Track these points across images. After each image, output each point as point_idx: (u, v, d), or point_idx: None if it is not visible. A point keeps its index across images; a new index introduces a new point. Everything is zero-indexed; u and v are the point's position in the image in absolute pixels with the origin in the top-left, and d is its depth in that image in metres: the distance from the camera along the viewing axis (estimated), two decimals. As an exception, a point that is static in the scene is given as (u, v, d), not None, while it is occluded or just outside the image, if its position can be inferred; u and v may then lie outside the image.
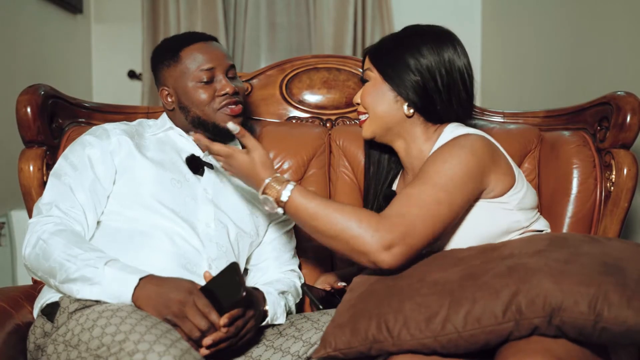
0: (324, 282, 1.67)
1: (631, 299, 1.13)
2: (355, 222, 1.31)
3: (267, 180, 1.39)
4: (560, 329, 1.17)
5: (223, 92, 1.61)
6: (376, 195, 1.66)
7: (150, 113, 1.93)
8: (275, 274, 1.70)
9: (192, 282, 1.39)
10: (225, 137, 1.63)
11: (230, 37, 3.51)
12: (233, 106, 1.62)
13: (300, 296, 1.70)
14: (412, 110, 1.51)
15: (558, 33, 2.69)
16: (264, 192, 1.39)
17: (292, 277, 1.71)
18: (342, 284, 1.65)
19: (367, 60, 1.57)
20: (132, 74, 3.57)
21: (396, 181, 1.68)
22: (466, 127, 1.53)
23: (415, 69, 1.49)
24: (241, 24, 3.54)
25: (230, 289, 1.34)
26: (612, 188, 1.76)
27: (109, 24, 3.56)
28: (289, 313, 1.60)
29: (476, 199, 1.44)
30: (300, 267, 1.80)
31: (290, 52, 3.54)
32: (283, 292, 1.61)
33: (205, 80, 1.60)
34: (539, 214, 1.56)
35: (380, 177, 1.68)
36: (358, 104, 1.58)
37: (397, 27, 3.38)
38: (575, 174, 1.79)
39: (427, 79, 1.49)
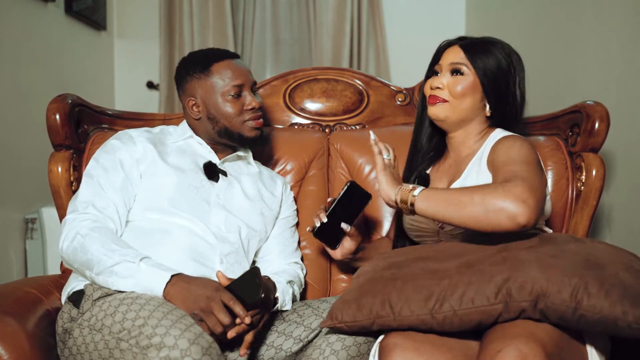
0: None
1: (608, 291, 1.14)
2: (482, 188, 1.29)
3: (397, 191, 1.39)
4: (543, 313, 1.18)
5: (250, 107, 1.62)
6: (411, 176, 1.65)
7: (167, 120, 1.93)
8: (280, 265, 1.69)
9: (218, 282, 1.39)
10: (247, 145, 1.66)
11: (239, 51, 3.51)
12: (257, 120, 1.63)
13: (303, 285, 1.70)
14: (490, 113, 1.53)
15: (534, 49, 2.69)
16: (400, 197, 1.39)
17: (296, 269, 1.70)
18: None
19: (462, 54, 1.52)
20: (150, 85, 3.57)
21: (430, 168, 1.66)
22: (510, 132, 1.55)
23: (506, 81, 1.51)
24: (249, 39, 3.54)
25: (251, 290, 1.35)
26: (582, 188, 1.76)
27: (129, 39, 3.56)
28: (293, 301, 1.60)
29: None
30: (302, 259, 1.80)
31: (292, 64, 3.54)
32: (290, 282, 1.61)
33: (233, 94, 1.61)
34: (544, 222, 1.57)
35: (417, 159, 1.66)
36: (439, 87, 1.52)
37: (390, 42, 3.46)
38: (550, 175, 1.78)
39: (512, 91, 1.52)
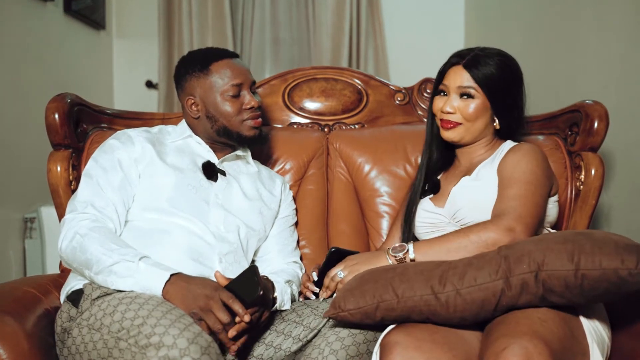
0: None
1: (602, 247, 1.21)
2: (475, 228, 1.40)
3: (388, 257, 1.46)
4: (547, 286, 1.22)
5: (249, 106, 1.61)
6: (423, 182, 1.67)
7: (166, 119, 1.93)
8: (279, 264, 1.69)
9: (217, 282, 1.39)
10: (246, 144, 1.66)
11: (237, 51, 3.50)
12: (256, 119, 1.63)
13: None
14: (499, 126, 1.59)
15: (534, 48, 2.69)
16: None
17: (295, 268, 1.70)
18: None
19: (467, 76, 1.55)
20: (149, 84, 3.57)
21: (441, 174, 1.69)
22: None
23: (512, 94, 1.57)
24: (248, 39, 3.54)
25: (249, 288, 1.34)
26: (581, 187, 1.77)
27: (129, 39, 3.56)
28: (293, 301, 1.60)
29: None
30: (301, 258, 1.80)
31: (292, 64, 3.54)
32: (288, 281, 1.61)
33: (232, 94, 1.60)
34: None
35: (430, 167, 1.68)
36: (450, 112, 1.56)
37: (389, 41, 3.46)
38: (549, 175, 1.79)
39: (517, 101, 1.59)
